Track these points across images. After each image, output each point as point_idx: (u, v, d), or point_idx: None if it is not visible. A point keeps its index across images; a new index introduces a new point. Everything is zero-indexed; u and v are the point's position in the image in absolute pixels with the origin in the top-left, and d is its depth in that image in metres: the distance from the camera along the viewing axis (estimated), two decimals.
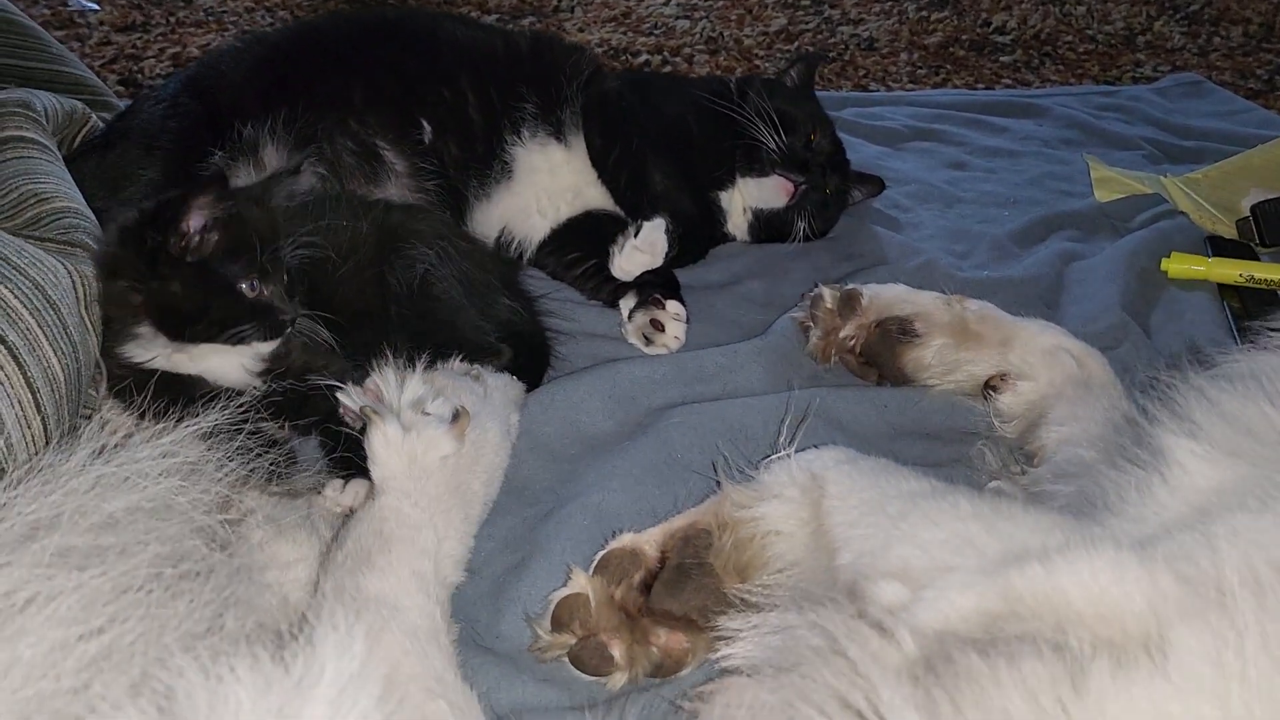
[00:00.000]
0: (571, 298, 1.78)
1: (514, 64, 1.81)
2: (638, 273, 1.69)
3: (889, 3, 3.41)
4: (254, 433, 1.03)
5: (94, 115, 1.79)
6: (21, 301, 1.15)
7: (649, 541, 1.15)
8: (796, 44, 3.15)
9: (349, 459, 1.22)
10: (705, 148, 1.90)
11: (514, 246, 1.80)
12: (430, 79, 1.74)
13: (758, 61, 3.03)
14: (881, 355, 1.51)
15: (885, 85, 2.94)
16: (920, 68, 3.04)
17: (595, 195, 1.82)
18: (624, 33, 3.14)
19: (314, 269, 1.38)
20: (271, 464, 1.07)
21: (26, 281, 1.18)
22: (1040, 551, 0.77)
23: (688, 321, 1.66)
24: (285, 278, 1.31)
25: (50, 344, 1.17)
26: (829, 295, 1.55)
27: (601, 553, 1.15)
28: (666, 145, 1.86)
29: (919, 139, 2.51)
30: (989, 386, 1.43)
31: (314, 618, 0.65)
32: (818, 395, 1.46)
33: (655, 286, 1.68)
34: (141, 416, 1.16)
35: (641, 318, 1.64)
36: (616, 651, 1.08)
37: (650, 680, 1.10)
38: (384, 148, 1.69)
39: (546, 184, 1.80)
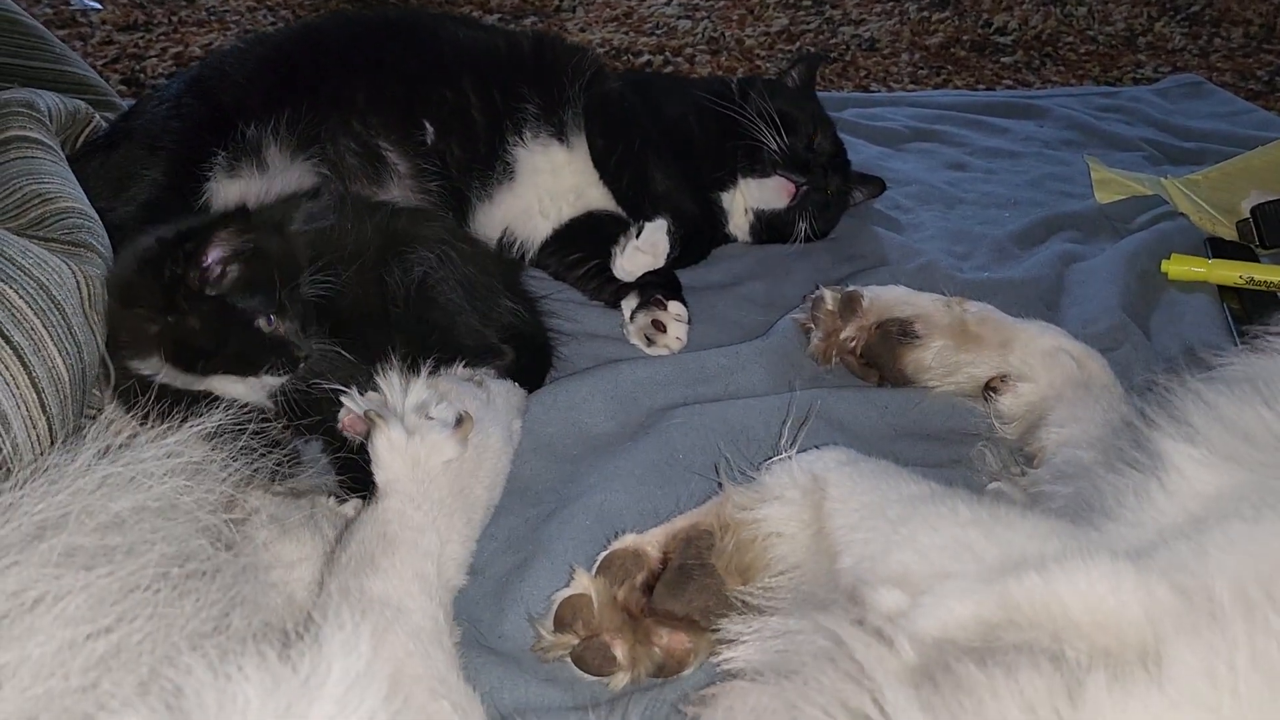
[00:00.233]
0: (573, 298, 1.78)
1: (516, 65, 1.81)
2: (639, 273, 1.70)
3: (890, 3, 3.41)
4: (257, 433, 1.04)
5: (97, 115, 1.79)
6: (26, 302, 1.16)
7: (651, 542, 1.16)
8: (798, 44, 3.16)
9: (353, 461, 1.23)
10: (707, 149, 1.91)
11: (516, 247, 1.81)
12: (433, 80, 1.74)
13: (759, 62, 3.04)
14: (882, 357, 1.52)
15: (886, 86, 2.94)
16: (921, 68, 3.04)
17: (597, 196, 1.82)
18: (626, 33, 3.15)
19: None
20: (275, 464, 1.08)
21: (31, 282, 1.18)
22: (1038, 560, 0.78)
23: (689, 322, 1.66)
24: (302, 311, 1.30)
25: (55, 344, 1.17)
26: (830, 297, 1.55)
27: (604, 553, 1.16)
28: (668, 146, 1.87)
29: (920, 140, 2.51)
30: (989, 388, 1.43)
31: (320, 617, 0.66)
32: (819, 396, 1.46)
33: (657, 287, 1.68)
34: (145, 418, 1.17)
35: (643, 318, 1.65)
36: (619, 652, 1.09)
37: (652, 681, 1.10)
38: (387, 149, 1.69)
39: (548, 185, 1.80)
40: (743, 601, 1.05)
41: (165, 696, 0.60)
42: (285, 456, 1.17)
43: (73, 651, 0.66)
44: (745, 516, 1.12)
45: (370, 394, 1.20)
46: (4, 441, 1.06)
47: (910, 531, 0.91)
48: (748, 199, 1.92)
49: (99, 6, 3.04)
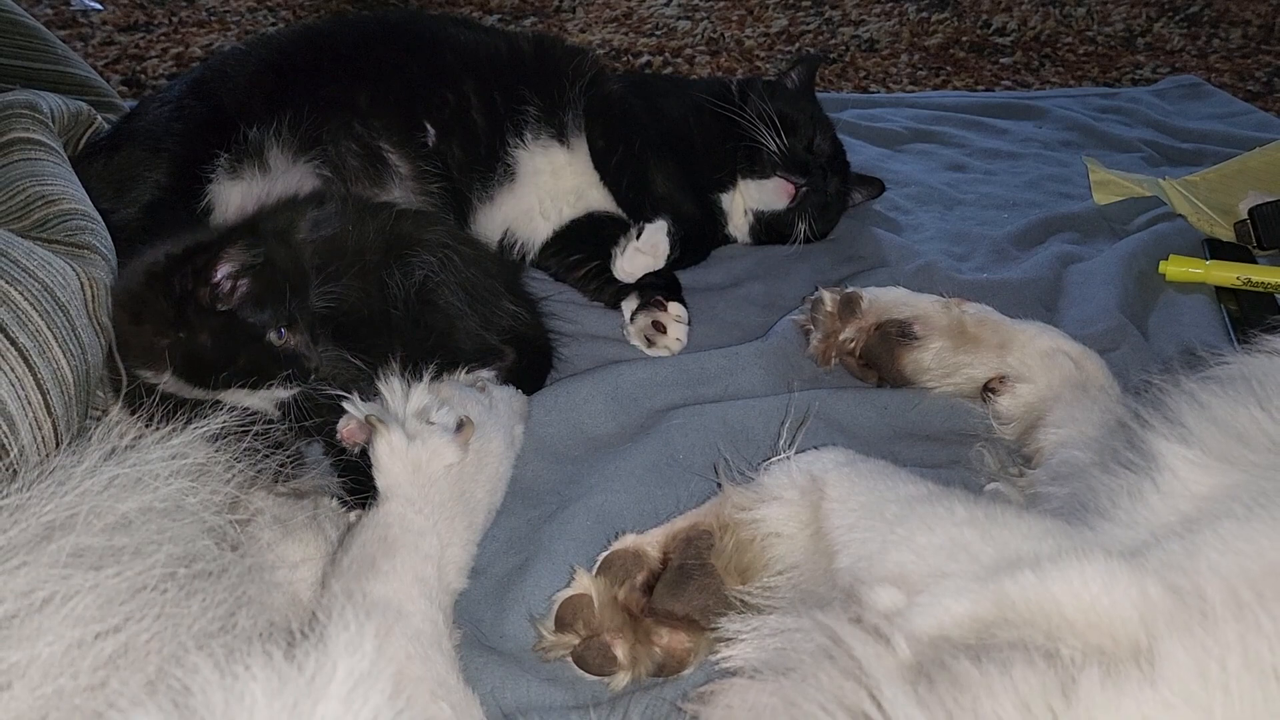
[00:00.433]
0: (574, 299, 1.79)
1: (517, 67, 1.82)
2: (639, 275, 1.71)
3: (889, 4, 3.42)
4: (261, 435, 1.05)
5: (99, 116, 1.80)
6: (31, 304, 1.17)
7: (651, 542, 1.16)
8: (797, 45, 3.17)
9: (355, 464, 1.23)
10: (706, 150, 1.92)
11: (517, 248, 1.82)
12: (434, 82, 1.75)
13: (759, 62, 3.04)
14: (881, 358, 1.52)
15: (886, 87, 2.95)
16: (920, 69, 3.05)
17: (597, 197, 1.83)
18: (625, 33, 3.15)
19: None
20: (278, 465, 1.08)
21: (36, 284, 1.19)
22: (1033, 559, 0.79)
23: (689, 323, 1.67)
24: (311, 321, 1.30)
25: (60, 346, 1.18)
26: (829, 298, 1.56)
27: (604, 554, 1.16)
28: (668, 147, 1.87)
29: (919, 141, 2.52)
30: (988, 389, 1.44)
31: (324, 617, 0.66)
32: (818, 397, 1.47)
33: (657, 288, 1.69)
34: (150, 420, 1.18)
35: (643, 320, 1.65)
36: (619, 651, 1.10)
37: (653, 680, 1.11)
38: (388, 150, 1.70)
39: (549, 186, 1.81)
40: (742, 601, 1.06)
41: (173, 695, 0.61)
42: (288, 458, 1.18)
43: (81, 651, 0.67)
44: (744, 517, 1.12)
45: (370, 402, 1.20)
46: (11, 443, 1.07)
47: (907, 531, 0.92)
48: (747, 200, 1.93)
49: (100, 7, 3.05)
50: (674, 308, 1.66)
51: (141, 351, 1.26)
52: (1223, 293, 1.84)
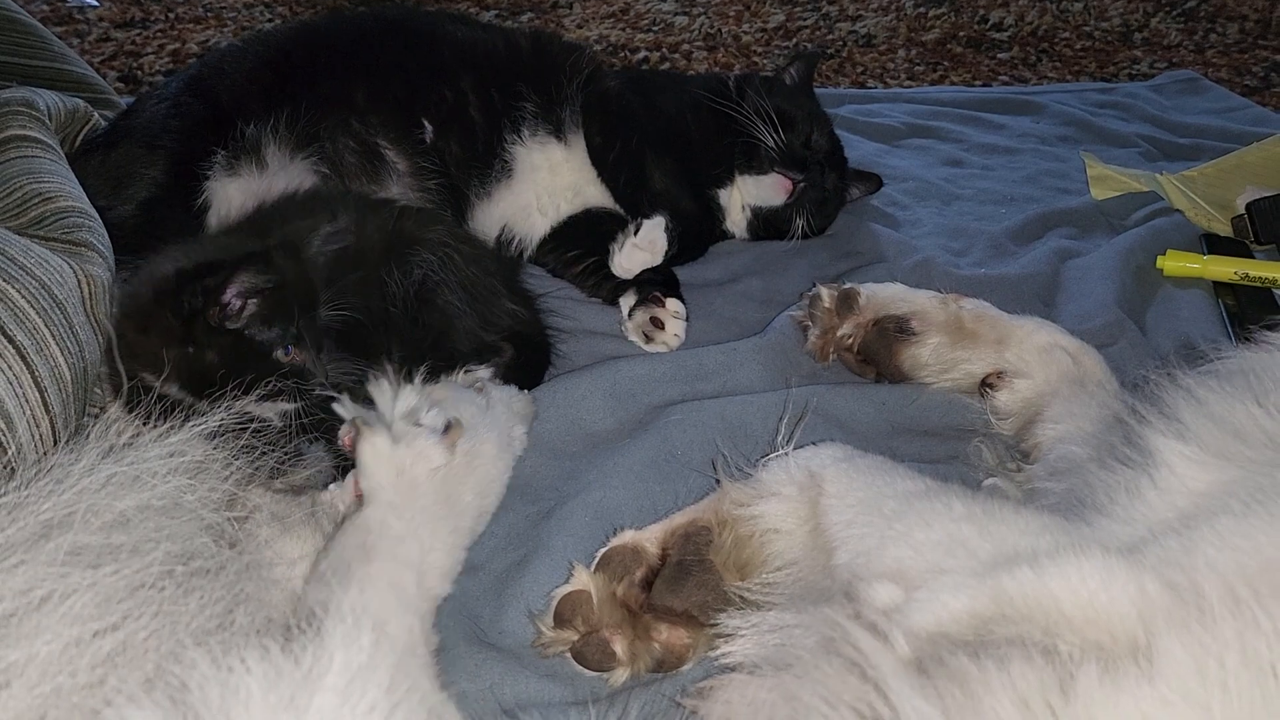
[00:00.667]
0: (572, 296, 1.79)
1: (514, 63, 1.82)
2: (637, 271, 1.71)
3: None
4: (259, 432, 1.04)
5: (96, 113, 1.80)
6: (29, 301, 1.16)
7: (650, 539, 1.16)
8: (795, 41, 3.17)
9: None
10: (704, 146, 1.92)
11: (514, 244, 1.81)
12: (432, 79, 1.75)
13: (756, 58, 3.04)
14: (879, 353, 1.52)
15: (883, 82, 2.95)
16: (918, 64, 3.05)
17: (595, 193, 1.83)
18: (622, 29, 3.15)
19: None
20: (276, 461, 1.08)
21: (33, 281, 1.19)
22: (1030, 555, 0.79)
23: (687, 319, 1.67)
24: (318, 337, 1.30)
25: (57, 343, 1.18)
26: (827, 294, 1.56)
27: (603, 550, 1.16)
28: (666, 143, 1.87)
29: (916, 136, 2.52)
30: (985, 384, 1.44)
31: (321, 611, 0.66)
32: (816, 393, 1.47)
33: (655, 284, 1.69)
34: (148, 418, 1.17)
35: (641, 316, 1.65)
36: (618, 647, 1.09)
37: (652, 676, 1.11)
38: (386, 147, 1.70)
39: (546, 182, 1.81)
40: (741, 597, 1.06)
41: (170, 691, 0.61)
42: (286, 454, 1.17)
43: (80, 649, 0.67)
44: (743, 513, 1.12)
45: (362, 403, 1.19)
46: (9, 441, 1.07)
47: (905, 527, 0.92)
48: (745, 196, 1.93)
49: (96, 4, 3.05)
50: (672, 304, 1.66)
51: (147, 360, 1.26)
52: (1220, 288, 1.85)
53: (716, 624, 1.02)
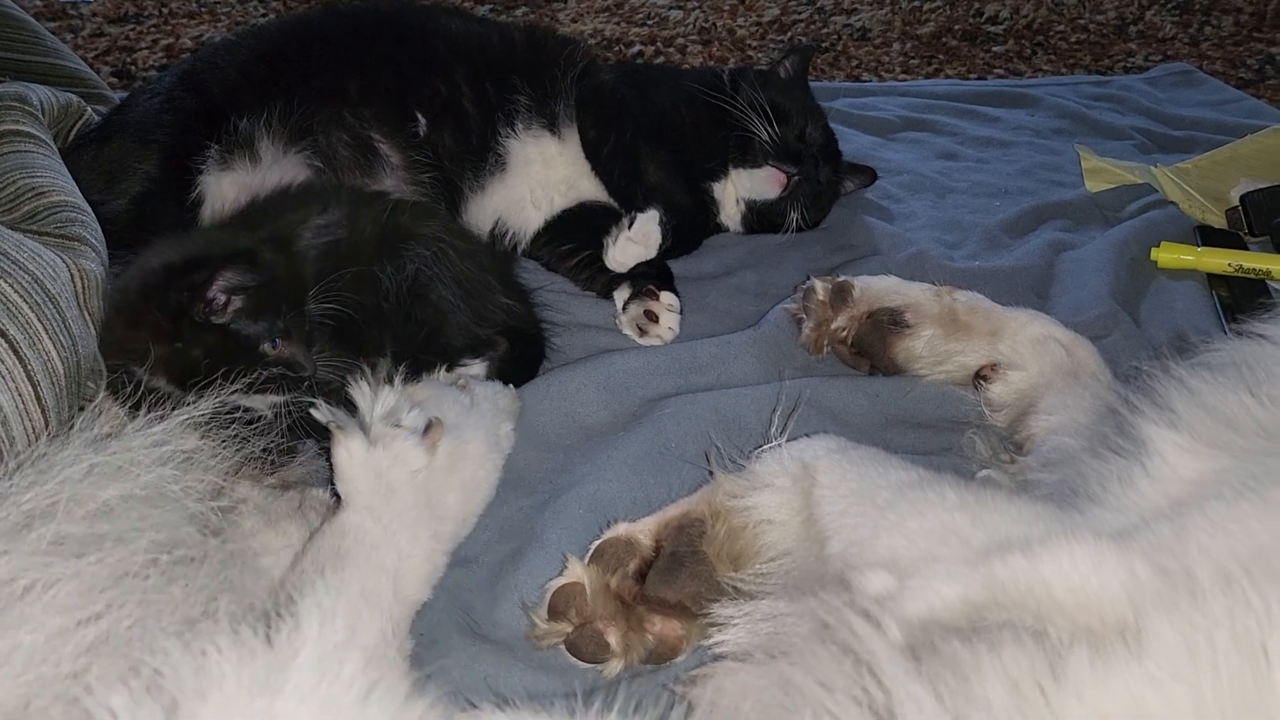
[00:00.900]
0: (566, 289, 1.78)
1: (508, 57, 1.81)
2: (631, 264, 1.70)
3: None
4: (248, 424, 1.04)
5: (89, 108, 1.80)
6: (21, 295, 1.16)
7: (643, 530, 1.16)
8: (789, 34, 3.16)
9: None
10: (698, 139, 1.91)
11: (508, 238, 1.81)
12: (425, 72, 1.74)
13: (751, 52, 3.04)
14: (873, 346, 1.52)
15: (878, 75, 2.95)
16: (913, 58, 3.05)
17: (589, 187, 1.83)
18: (617, 23, 3.15)
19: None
20: (264, 454, 1.08)
21: (26, 276, 1.18)
22: (1023, 542, 0.79)
23: (681, 312, 1.67)
24: (307, 330, 1.29)
25: (50, 337, 1.17)
26: (821, 287, 1.56)
27: (597, 542, 1.16)
28: (660, 137, 1.87)
29: (911, 129, 2.52)
30: (979, 376, 1.44)
31: (298, 595, 0.66)
32: (810, 385, 1.47)
33: (649, 278, 1.69)
34: (136, 408, 1.17)
35: (635, 309, 1.65)
36: (612, 639, 1.09)
37: (646, 666, 1.11)
38: (379, 141, 1.69)
39: (540, 176, 1.81)
40: (734, 588, 1.06)
41: (147, 677, 0.61)
42: (276, 448, 1.17)
43: (63, 638, 0.67)
44: (736, 504, 1.12)
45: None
46: (1, 434, 1.07)
47: (898, 516, 0.92)
48: (739, 189, 1.93)
49: None
50: (666, 297, 1.66)
51: (135, 354, 1.26)
52: (1214, 279, 1.84)
53: (710, 615, 1.02)
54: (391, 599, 1.03)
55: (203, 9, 3.05)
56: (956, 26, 3.23)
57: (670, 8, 3.26)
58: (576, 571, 1.12)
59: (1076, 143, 2.37)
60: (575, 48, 1.87)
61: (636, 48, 3.01)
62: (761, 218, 1.94)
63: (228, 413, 1.01)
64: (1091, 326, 1.61)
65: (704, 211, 1.93)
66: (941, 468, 1.19)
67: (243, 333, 1.24)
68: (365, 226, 1.45)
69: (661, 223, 1.70)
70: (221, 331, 1.23)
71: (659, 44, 3.04)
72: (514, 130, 1.77)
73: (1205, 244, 1.92)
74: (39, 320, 1.17)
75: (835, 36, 3.15)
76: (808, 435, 1.19)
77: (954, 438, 1.40)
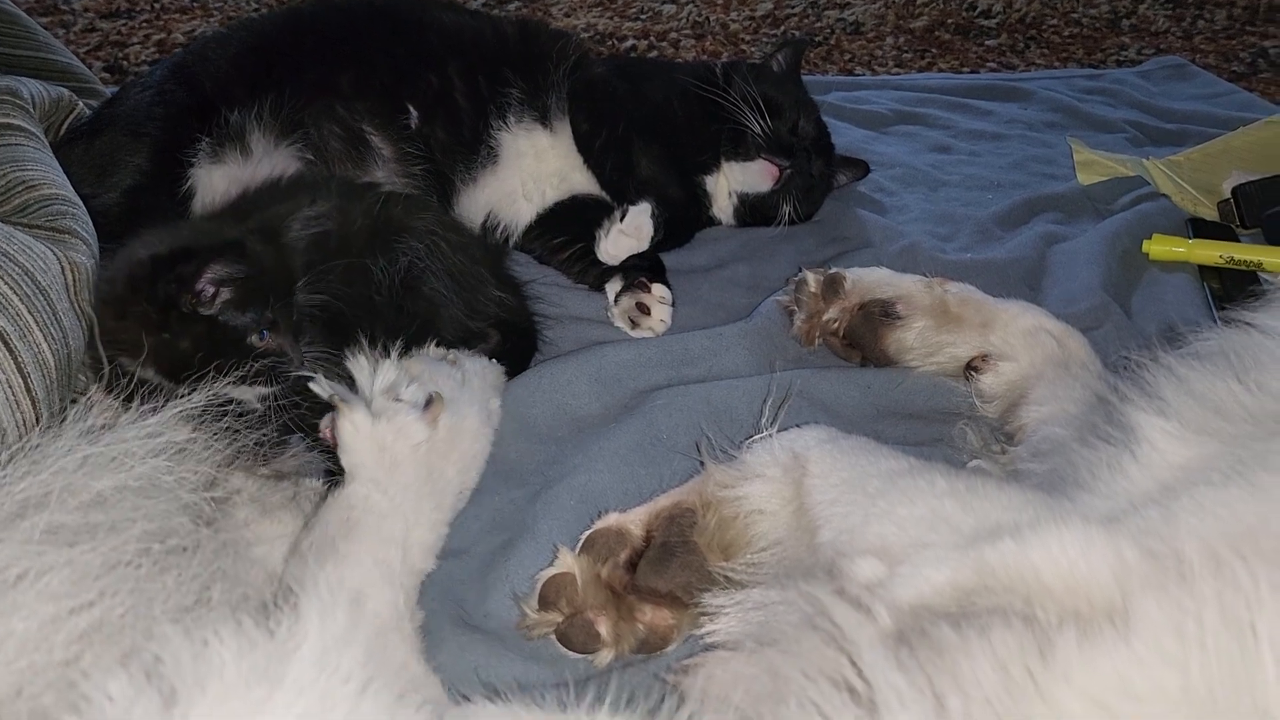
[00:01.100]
0: (558, 282, 1.79)
1: (500, 50, 1.81)
2: (624, 257, 1.70)
3: None
4: (240, 415, 1.04)
5: (80, 102, 1.79)
6: (11, 287, 1.16)
7: (634, 521, 1.16)
8: (783, 28, 3.16)
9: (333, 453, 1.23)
10: (691, 132, 1.91)
11: (500, 231, 1.81)
12: (417, 65, 1.74)
13: (744, 46, 3.04)
14: (865, 337, 1.52)
15: (871, 69, 2.95)
16: (906, 52, 3.05)
17: (581, 180, 1.83)
18: (610, 18, 3.15)
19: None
20: (257, 445, 1.08)
21: (16, 268, 1.18)
22: (1012, 527, 0.79)
23: (673, 305, 1.67)
24: (295, 321, 1.30)
25: (40, 329, 1.17)
26: (813, 279, 1.56)
27: (588, 532, 1.16)
28: (652, 130, 1.87)
29: (904, 123, 2.51)
30: (970, 367, 1.44)
31: (298, 587, 0.67)
32: (802, 377, 1.47)
33: (641, 270, 1.69)
34: (128, 400, 1.17)
35: (627, 301, 1.65)
36: (603, 628, 1.10)
37: (637, 656, 1.11)
38: (371, 133, 1.69)
39: (532, 169, 1.81)
40: (725, 578, 1.06)
41: (146, 664, 0.61)
42: (269, 440, 1.17)
43: (56, 626, 0.67)
44: (727, 494, 1.13)
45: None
46: None
47: (888, 504, 0.92)
48: (731, 182, 1.93)
49: None
50: (658, 289, 1.66)
51: (123, 344, 1.26)
52: (1206, 271, 1.85)
53: (700, 604, 1.02)
54: (401, 568, 1.05)
55: (195, 4, 3.04)
56: (949, 20, 3.23)
57: (663, 2, 3.25)
58: (567, 562, 1.13)
59: (1069, 136, 2.37)
60: (567, 41, 1.87)
61: (629, 42, 3.01)
62: (754, 210, 1.94)
63: (220, 405, 1.00)
64: (1083, 318, 1.61)
65: (696, 204, 1.93)
66: (933, 459, 1.19)
67: (230, 324, 1.24)
68: (356, 218, 1.45)
69: (653, 215, 1.70)
70: (209, 323, 1.23)
71: (652, 38, 3.04)
72: (506, 123, 1.77)
73: (1197, 236, 1.92)
74: (29, 312, 1.17)
75: (828, 30, 3.15)
76: (799, 426, 1.20)
77: (945, 429, 1.41)
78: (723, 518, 1.12)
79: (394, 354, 1.22)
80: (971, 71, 2.95)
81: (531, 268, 1.79)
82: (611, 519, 1.17)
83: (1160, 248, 1.87)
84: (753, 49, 3.01)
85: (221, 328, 1.24)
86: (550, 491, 1.31)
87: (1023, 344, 1.41)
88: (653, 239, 1.71)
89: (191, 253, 1.23)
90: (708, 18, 3.18)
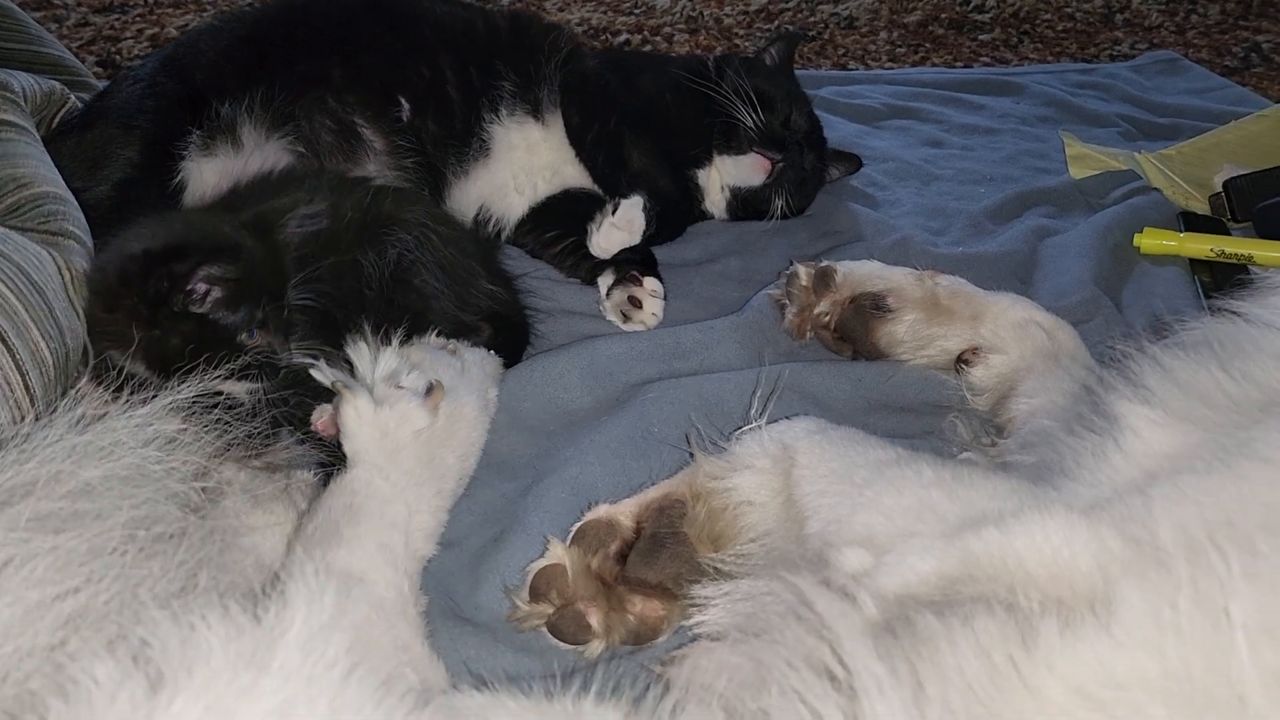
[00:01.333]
0: (550, 276, 1.79)
1: (493, 42, 1.81)
2: (616, 250, 1.71)
3: None
4: (231, 407, 1.04)
5: (73, 96, 1.79)
6: (8, 287, 1.16)
7: (624, 512, 1.16)
8: (776, 23, 3.16)
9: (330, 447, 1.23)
10: (683, 126, 1.91)
11: (492, 224, 1.81)
12: (409, 57, 1.74)
13: (738, 40, 3.04)
14: (856, 331, 1.53)
15: (865, 64, 2.95)
16: (899, 46, 3.05)
17: (573, 173, 1.83)
18: (604, 12, 3.15)
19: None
20: (249, 437, 1.08)
21: (12, 267, 1.18)
22: (997, 516, 0.79)
23: (665, 298, 1.67)
24: (286, 320, 1.30)
25: (38, 328, 1.17)
26: (804, 272, 1.56)
27: (578, 524, 1.16)
28: (644, 124, 1.87)
29: (897, 117, 2.52)
30: (961, 360, 1.45)
31: (285, 576, 0.67)
32: (793, 370, 1.47)
33: (633, 264, 1.69)
34: (119, 391, 1.17)
35: (619, 295, 1.65)
36: (594, 620, 1.10)
37: (627, 647, 1.11)
38: (362, 126, 1.69)
39: (524, 162, 1.81)
40: (715, 569, 1.06)
41: (133, 648, 0.62)
42: (260, 434, 1.17)
43: (41, 612, 0.68)
44: (717, 485, 1.13)
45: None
46: None
47: (875, 494, 0.93)
48: (724, 176, 1.93)
49: None
50: (650, 283, 1.66)
51: (113, 338, 1.26)
52: (1196, 264, 1.85)
53: (690, 595, 1.02)
54: (404, 552, 1.06)
55: None
56: (943, 15, 3.23)
57: None
58: (558, 553, 1.13)
59: (1061, 130, 2.37)
60: (559, 33, 1.87)
61: (623, 36, 3.01)
62: (746, 204, 1.94)
63: (210, 396, 1.01)
64: (1074, 311, 1.62)
65: (688, 198, 1.94)
66: (923, 451, 1.19)
67: (221, 322, 1.24)
68: (347, 213, 1.45)
69: (645, 209, 1.71)
70: (199, 320, 1.23)
71: (646, 32, 3.04)
72: (498, 116, 1.78)
73: (1189, 230, 1.92)
74: (26, 310, 1.17)
75: (822, 25, 3.15)
76: (789, 418, 1.20)
77: (936, 421, 1.41)
78: (712, 509, 1.12)
79: (395, 342, 1.22)
80: (965, 66, 2.96)
81: (523, 261, 1.79)
82: (602, 511, 1.17)
83: (1151, 241, 1.88)
84: (746, 43, 3.01)
85: (211, 325, 1.24)
86: (541, 484, 1.31)
87: (1013, 337, 1.42)
88: (644, 232, 1.71)
89: (185, 250, 1.22)
90: (701, 12, 3.18)
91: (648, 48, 2.95)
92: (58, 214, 1.36)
